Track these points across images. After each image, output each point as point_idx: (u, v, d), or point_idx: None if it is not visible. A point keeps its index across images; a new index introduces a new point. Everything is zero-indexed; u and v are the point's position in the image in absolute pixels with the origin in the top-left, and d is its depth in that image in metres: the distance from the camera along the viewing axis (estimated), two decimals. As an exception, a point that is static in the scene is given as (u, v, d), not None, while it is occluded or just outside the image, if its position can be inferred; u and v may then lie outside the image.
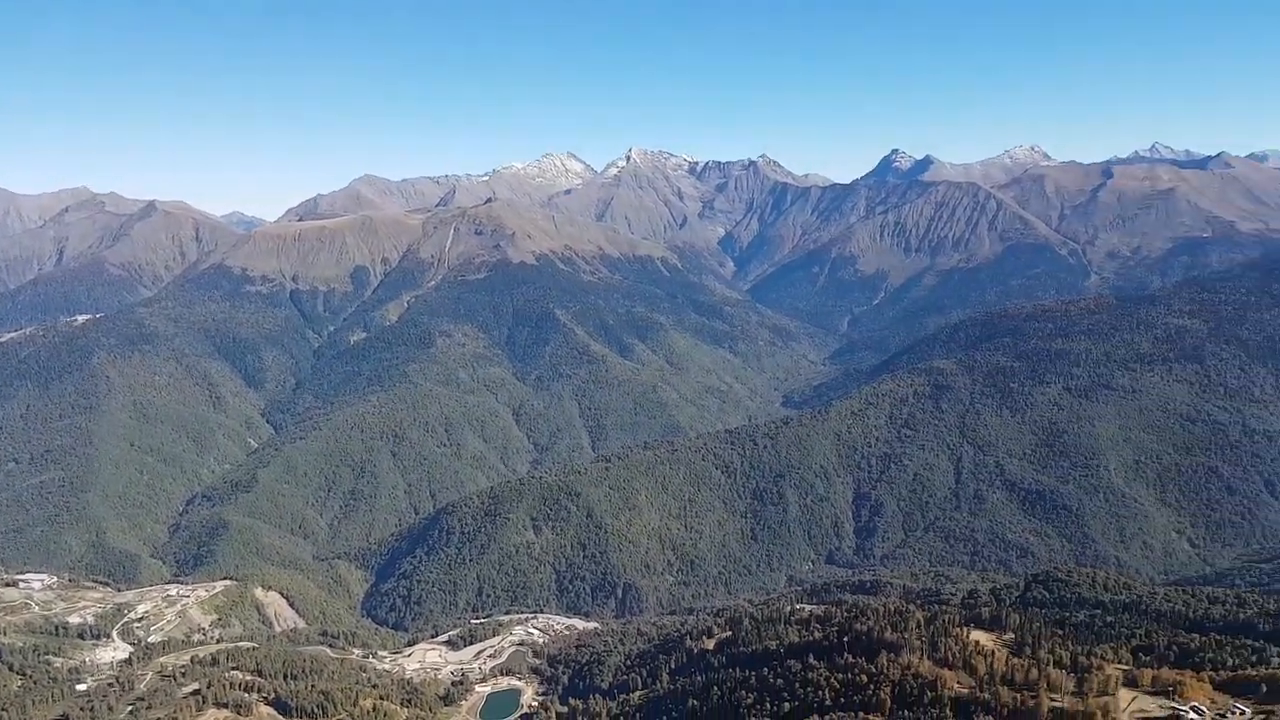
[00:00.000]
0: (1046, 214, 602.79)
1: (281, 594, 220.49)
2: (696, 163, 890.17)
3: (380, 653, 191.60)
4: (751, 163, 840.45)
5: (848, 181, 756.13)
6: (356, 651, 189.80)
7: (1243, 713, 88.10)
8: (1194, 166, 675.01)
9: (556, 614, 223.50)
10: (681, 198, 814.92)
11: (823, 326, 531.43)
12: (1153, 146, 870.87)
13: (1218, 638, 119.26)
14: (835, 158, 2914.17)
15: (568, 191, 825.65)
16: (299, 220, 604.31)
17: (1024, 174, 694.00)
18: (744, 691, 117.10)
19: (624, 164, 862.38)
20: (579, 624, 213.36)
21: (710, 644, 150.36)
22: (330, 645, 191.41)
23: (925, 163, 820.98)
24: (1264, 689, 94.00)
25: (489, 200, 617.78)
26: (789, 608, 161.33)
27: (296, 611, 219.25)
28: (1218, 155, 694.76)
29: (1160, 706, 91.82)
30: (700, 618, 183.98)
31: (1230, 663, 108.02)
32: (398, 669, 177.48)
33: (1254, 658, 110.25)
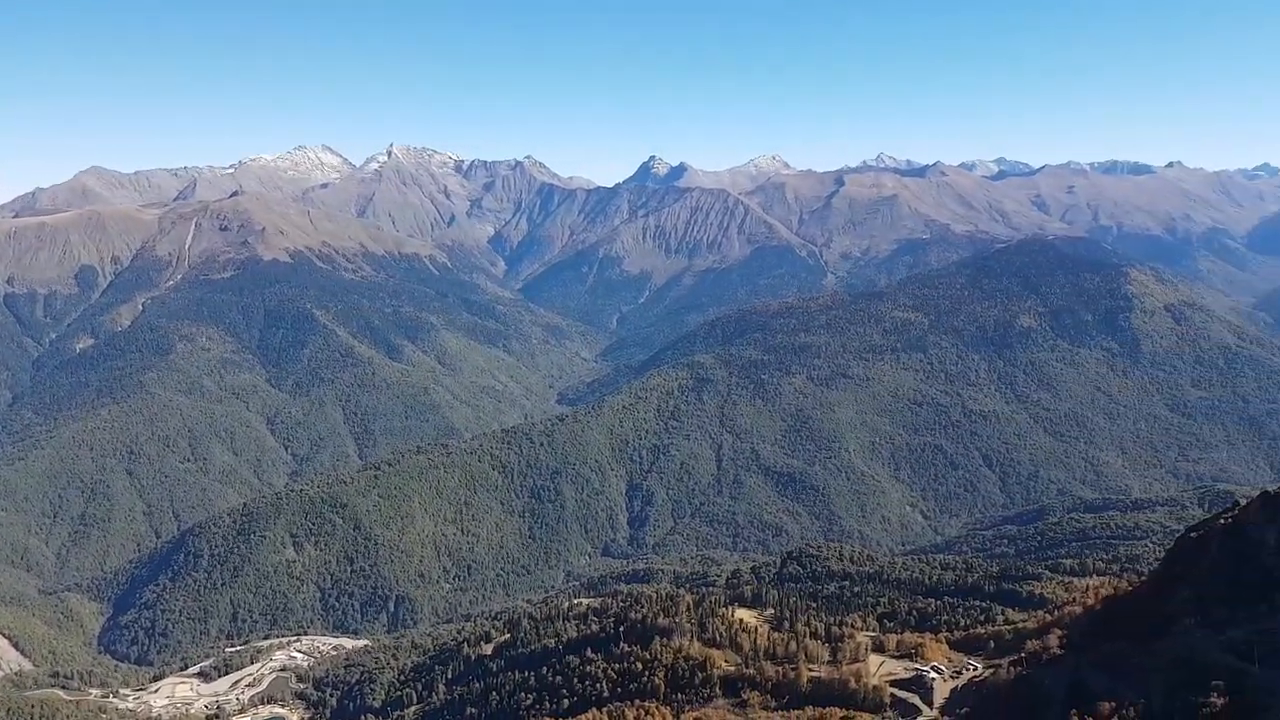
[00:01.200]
0: (788, 219, 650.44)
1: (3, 635, 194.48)
2: (462, 161, 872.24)
3: (123, 691, 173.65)
4: (518, 163, 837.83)
5: (611, 185, 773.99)
6: (95, 692, 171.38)
7: (975, 668, 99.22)
8: (914, 175, 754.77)
9: (323, 634, 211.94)
10: (449, 195, 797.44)
11: (593, 324, 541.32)
12: (878, 156, 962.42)
13: (951, 601, 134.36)
14: (598, 161, 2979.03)
15: (324, 186, 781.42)
16: (14, 216, 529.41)
17: (767, 181, 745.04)
18: (523, 693, 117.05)
19: (385, 159, 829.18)
20: (348, 643, 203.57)
21: (489, 649, 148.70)
22: (63, 687, 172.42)
23: (680, 169, 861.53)
24: (992, 645, 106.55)
25: (235, 194, 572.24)
26: (567, 604, 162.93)
27: (21, 653, 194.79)
28: (934, 164, 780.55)
29: (905, 669, 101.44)
30: (478, 623, 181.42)
31: (962, 623, 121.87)
32: (143, 707, 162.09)
33: (982, 617, 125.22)
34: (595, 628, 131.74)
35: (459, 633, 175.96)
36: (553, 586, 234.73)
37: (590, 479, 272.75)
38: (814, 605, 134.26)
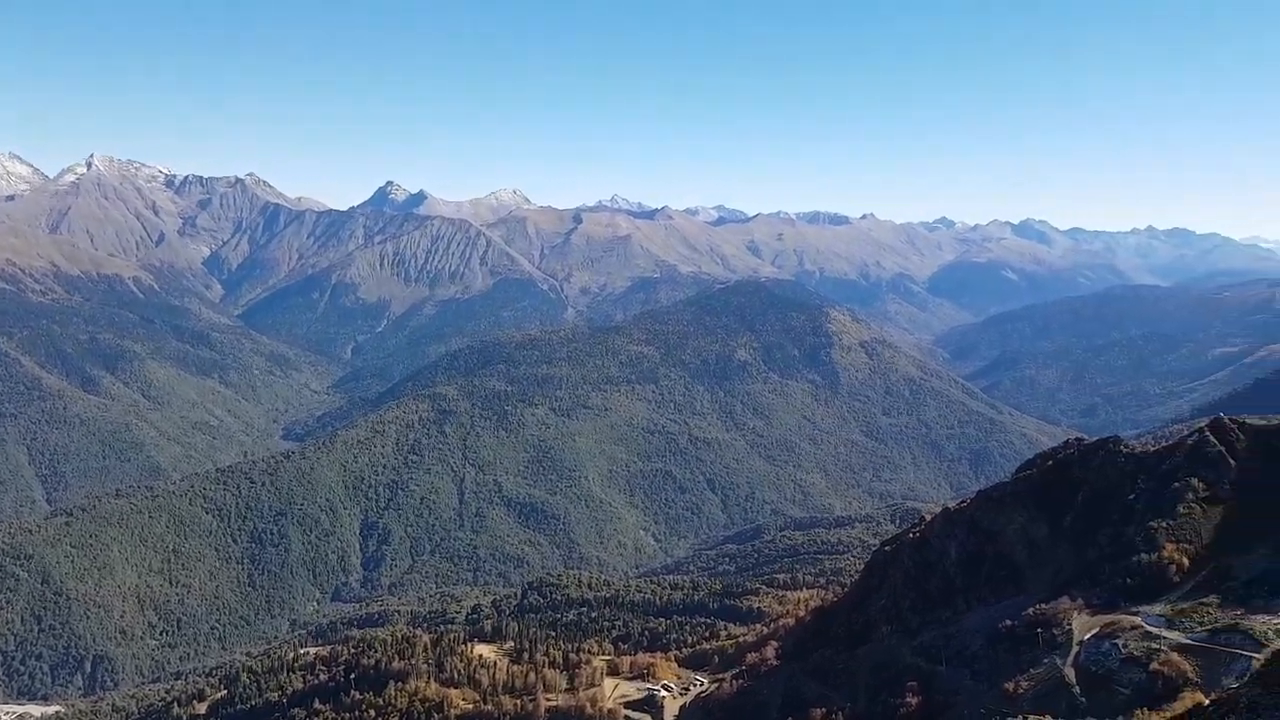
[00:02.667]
0: (530, 252, 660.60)
1: None
2: (175, 175, 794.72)
3: None
4: (239, 180, 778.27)
5: (344, 208, 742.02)
6: None
7: (701, 683, 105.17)
8: (645, 217, 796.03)
9: (4, 702, 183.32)
10: (158, 212, 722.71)
11: (325, 354, 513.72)
12: (613, 197, 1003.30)
13: (680, 619, 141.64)
14: (329, 183, 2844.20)
15: (10, 198, 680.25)
16: None
17: (509, 215, 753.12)
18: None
19: (85, 170, 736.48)
20: (35, 710, 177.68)
21: (202, 708, 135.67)
22: None
23: (420, 196, 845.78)
24: (716, 659, 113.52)
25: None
26: (292, 654, 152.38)
27: None
28: (662, 209, 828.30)
29: (638, 689, 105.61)
30: (190, 681, 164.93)
31: (690, 640, 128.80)
32: None
33: (708, 633, 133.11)
34: (324, 677, 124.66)
35: (168, 693, 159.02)
36: (276, 637, 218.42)
37: (320, 519, 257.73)
38: (553, 634, 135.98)
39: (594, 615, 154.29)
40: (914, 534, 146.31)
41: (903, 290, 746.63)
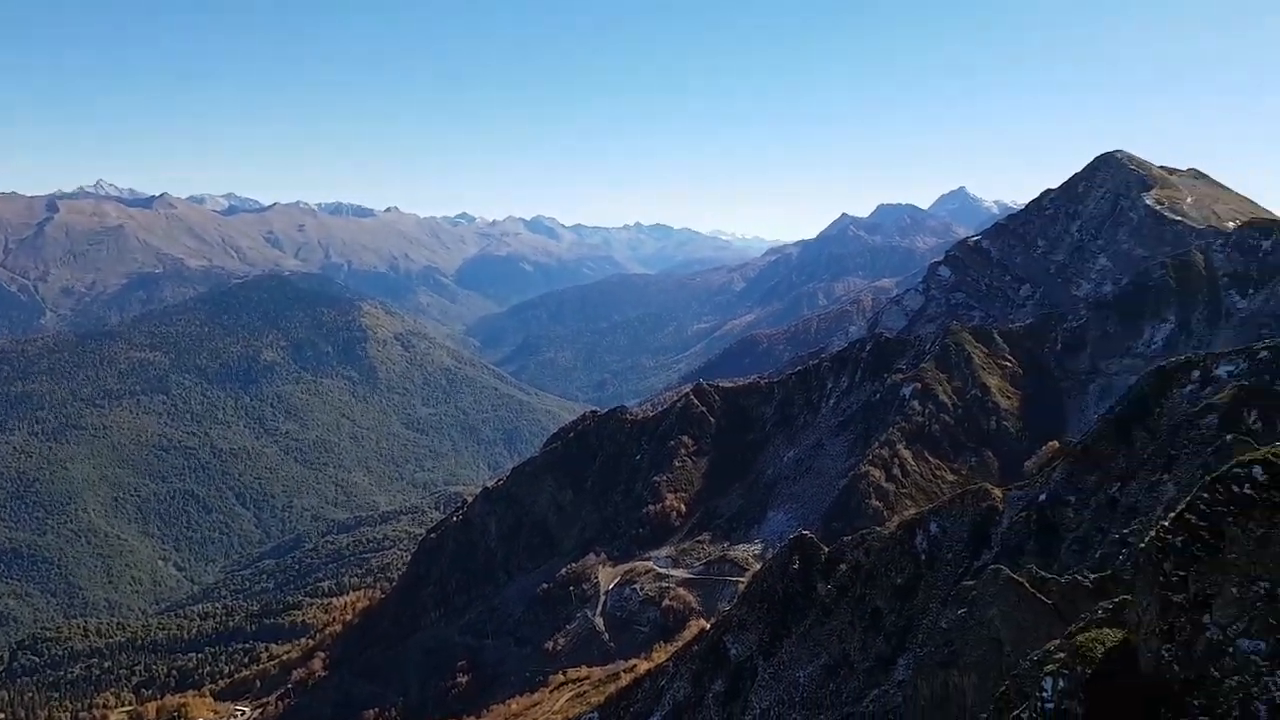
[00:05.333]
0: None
1: None
2: None
3: None
4: None
5: None
6: None
7: (243, 712, 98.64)
8: (140, 205, 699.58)
9: None
10: None
11: None
12: (98, 183, 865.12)
13: (213, 650, 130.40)
14: None
15: None
16: None
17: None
18: None
19: None
20: None
21: None
22: None
23: None
24: (259, 684, 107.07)
25: None
26: None
27: None
28: (161, 195, 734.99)
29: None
30: None
31: (228, 670, 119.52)
32: None
33: (247, 659, 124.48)
34: None
35: None
36: None
37: None
38: (57, 695, 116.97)
39: (107, 665, 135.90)
40: (457, 517, 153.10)
41: (433, 283, 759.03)
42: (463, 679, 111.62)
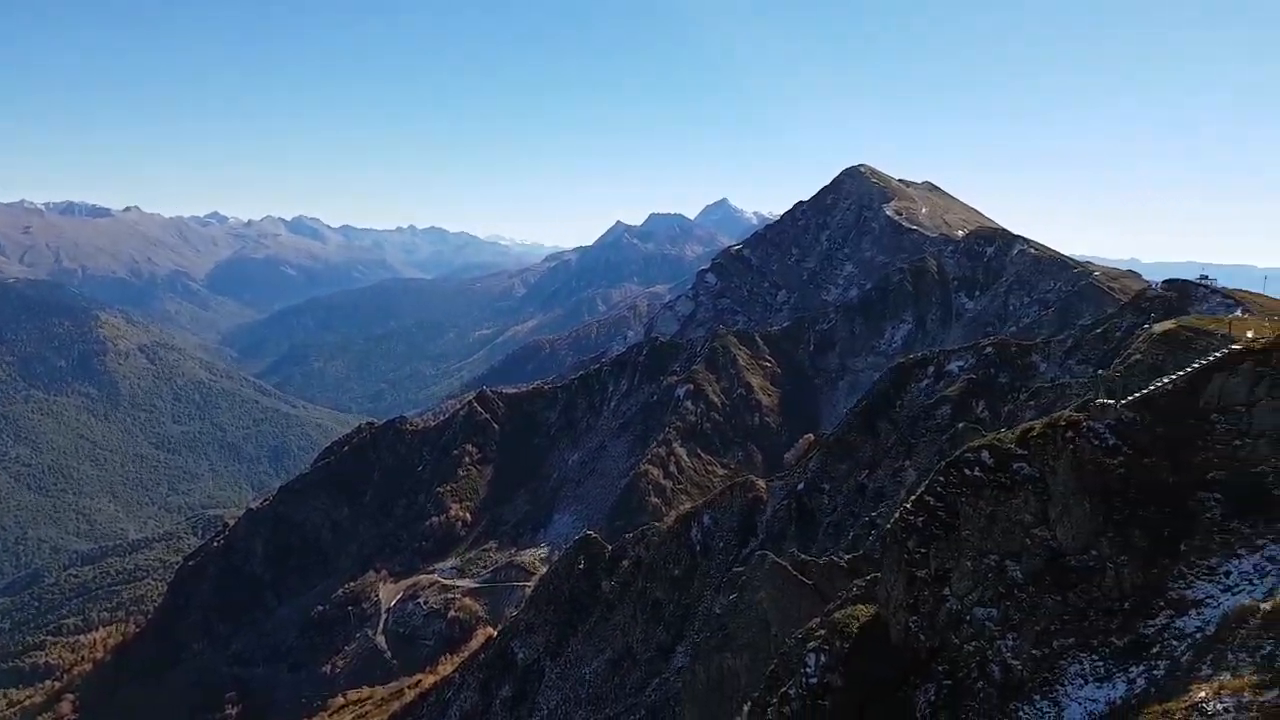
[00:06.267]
0: None
1: None
2: None
3: None
4: None
5: None
6: None
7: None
8: None
9: None
10: None
11: None
12: None
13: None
14: None
15: None
16: None
17: None
18: None
19: None
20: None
21: None
22: None
23: None
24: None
25: None
26: None
27: None
28: None
29: None
30: None
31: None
32: None
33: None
34: None
35: None
36: None
37: None
38: None
39: None
40: (218, 542, 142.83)
41: (181, 289, 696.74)
42: (232, 711, 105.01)
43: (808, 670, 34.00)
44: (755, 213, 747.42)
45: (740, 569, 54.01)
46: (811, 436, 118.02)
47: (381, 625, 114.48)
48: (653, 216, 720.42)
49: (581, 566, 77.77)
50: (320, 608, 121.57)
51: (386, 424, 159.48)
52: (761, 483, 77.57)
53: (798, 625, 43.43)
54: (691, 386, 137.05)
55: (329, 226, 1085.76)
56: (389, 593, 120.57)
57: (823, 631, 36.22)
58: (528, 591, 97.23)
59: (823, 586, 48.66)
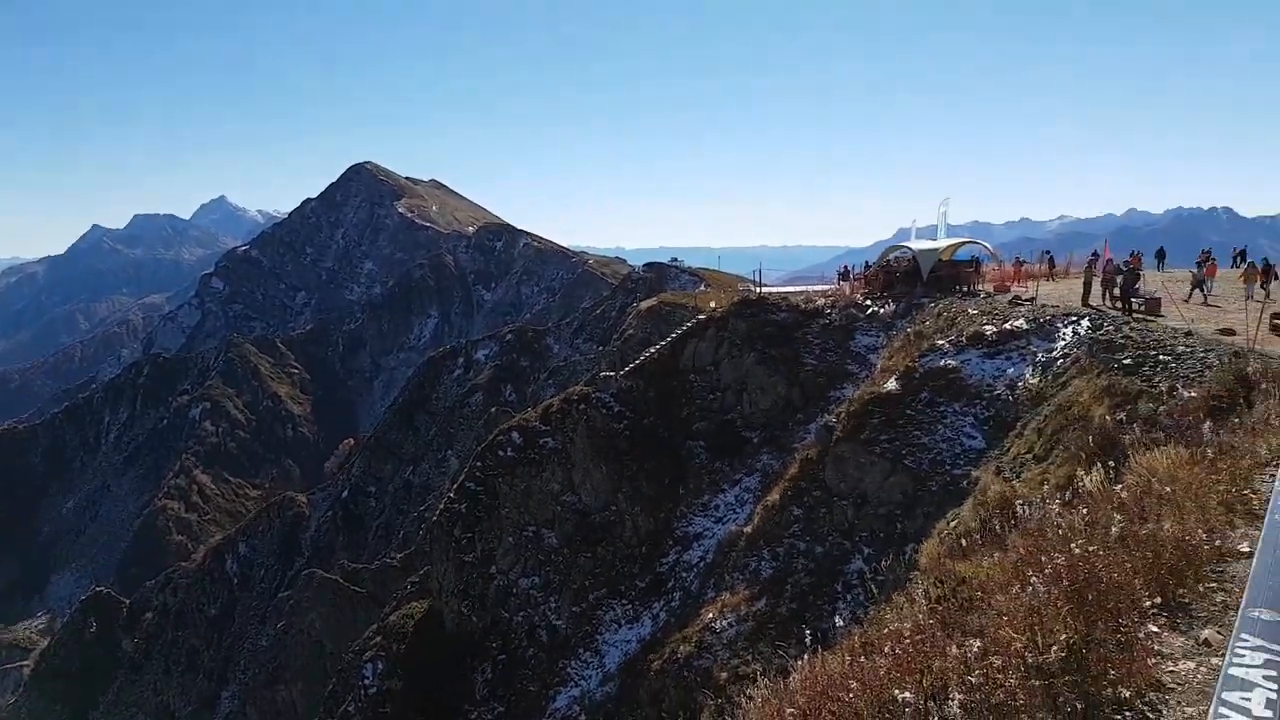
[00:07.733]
0: None
1: None
2: None
3: None
4: None
5: None
6: None
7: None
8: None
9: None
10: None
11: None
12: None
13: None
14: None
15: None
16: None
17: None
18: None
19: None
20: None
21: None
22: None
23: None
24: None
25: None
26: None
27: None
28: None
29: None
30: None
31: None
32: None
33: None
34: None
35: None
36: None
37: None
38: None
39: None
40: None
41: None
42: None
43: (366, 681, 33.51)
44: (260, 210, 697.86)
45: (286, 593, 50.99)
46: (352, 440, 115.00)
47: None
48: (137, 218, 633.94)
49: (94, 630, 67.17)
50: None
51: None
52: (302, 497, 74.15)
53: (356, 637, 42.35)
54: (208, 404, 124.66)
55: None
56: None
57: (379, 638, 35.92)
58: (27, 672, 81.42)
59: (378, 592, 47.97)
